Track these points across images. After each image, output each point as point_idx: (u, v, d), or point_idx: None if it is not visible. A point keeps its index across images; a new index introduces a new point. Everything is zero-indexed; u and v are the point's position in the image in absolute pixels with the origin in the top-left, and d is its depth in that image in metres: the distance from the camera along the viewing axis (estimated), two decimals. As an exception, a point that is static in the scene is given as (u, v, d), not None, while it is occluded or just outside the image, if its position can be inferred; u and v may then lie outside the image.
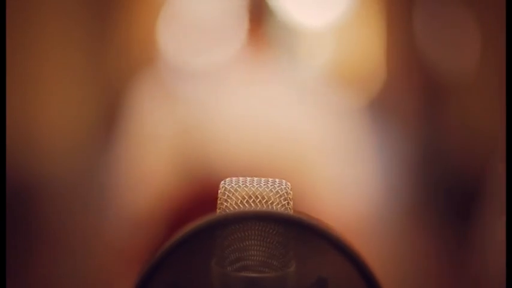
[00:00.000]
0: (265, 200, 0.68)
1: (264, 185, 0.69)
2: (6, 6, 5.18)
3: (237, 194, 0.69)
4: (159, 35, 8.84)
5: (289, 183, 0.70)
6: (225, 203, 0.69)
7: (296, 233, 0.64)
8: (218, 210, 0.69)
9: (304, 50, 9.92)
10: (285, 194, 0.69)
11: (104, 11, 8.32)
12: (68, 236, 5.40)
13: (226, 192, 0.70)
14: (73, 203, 5.98)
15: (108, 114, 7.78)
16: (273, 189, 0.69)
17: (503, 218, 4.14)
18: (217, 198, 0.68)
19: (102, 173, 6.52)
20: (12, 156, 5.53)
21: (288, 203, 0.69)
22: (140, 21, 9.36)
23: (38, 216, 5.52)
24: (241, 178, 0.71)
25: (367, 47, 10.12)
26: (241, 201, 0.69)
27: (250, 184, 0.70)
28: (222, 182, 0.71)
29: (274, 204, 0.68)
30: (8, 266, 3.92)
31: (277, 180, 0.70)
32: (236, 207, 0.69)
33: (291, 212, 0.67)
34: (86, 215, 5.90)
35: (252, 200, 0.68)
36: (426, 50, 7.93)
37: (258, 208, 0.66)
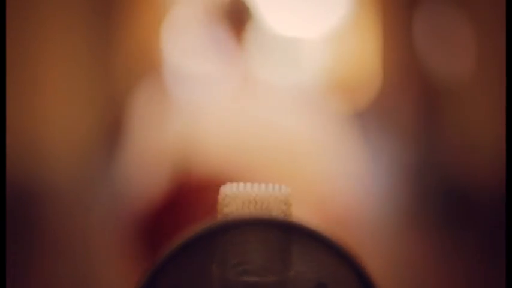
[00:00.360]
0: (265, 205, 0.68)
1: (264, 190, 0.69)
2: (7, 13, 5.17)
3: (237, 199, 0.69)
4: (162, 42, 8.89)
5: (288, 188, 0.70)
6: (226, 208, 0.69)
7: (296, 238, 0.65)
8: (219, 216, 0.69)
9: (300, 56, 9.96)
10: (285, 199, 0.69)
11: (107, 18, 8.31)
12: (69, 238, 5.41)
13: (227, 198, 0.70)
14: (74, 206, 5.98)
15: (111, 121, 7.80)
16: (272, 195, 0.69)
17: (504, 221, 4.16)
18: (213, 199, 0.68)
19: (102, 178, 6.55)
20: (13, 161, 5.52)
21: (287, 208, 0.69)
22: (144, 27, 9.38)
23: (39, 220, 5.52)
24: (241, 183, 0.70)
25: (364, 53, 10.13)
26: (241, 206, 0.69)
27: (250, 189, 0.70)
28: (222, 186, 0.71)
29: (274, 209, 0.68)
30: (8, 268, 3.92)
31: (276, 185, 0.70)
32: (236, 212, 0.69)
33: (291, 217, 0.67)
34: (86, 218, 5.90)
35: (252, 205, 0.68)
36: (423, 57, 7.94)
37: (258, 214, 0.67)
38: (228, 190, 0.71)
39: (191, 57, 2.06)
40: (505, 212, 3.75)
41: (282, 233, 0.65)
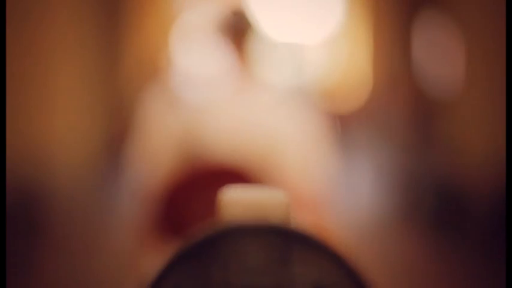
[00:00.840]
0: (265, 211, 0.70)
1: (264, 196, 0.71)
2: (9, 16, 5.14)
3: (238, 205, 0.71)
4: (169, 48, 8.87)
5: (287, 194, 0.71)
6: (227, 213, 0.71)
7: (295, 244, 0.67)
8: (220, 219, 0.71)
9: (295, 62, 9.97)
10: (284, 205, 0.71)
11: (115, 24, 8.26)
12: (71, 239, 5.40)
13: (228, 203, 0.71)
14: (76, 210, 5.96)
15: (118, 121, 7.78)
16: (272, 201, 0.71)
17: (504, 222, 4.18)
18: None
19: (106, 183, 6.52)
20: (18, 160, 5.49)
21: (286, 213, 0.71)
22: (151, 34, 9.35)
23: (42, 223, 5.50)
24: (241, 188, 0.72)
25: (355, 59, 10.16)
26: (242, 211, 0.70)
27: (250, 195, 0.71)
28: (223, 191, 0.72)
29: (274, 215, 0.70)
30: (9, 269, 3.93)
31: (275, 190, 0.71)
32: (237, 217, 0.70)
33: (290, 223, 0.69)
34: (88, 221, 5.89)
35: (252, 211, 0.70)
36: (415, 64, 7.96)
37: (259, 222, 0.68)
38: (228, 195, 0.72)
39: (197, 62, 2.16)
40: (505, 212, 3.78)
41: (282, 240, 0.67)
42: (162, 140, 2.07)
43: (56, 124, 6.08)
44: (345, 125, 9.01)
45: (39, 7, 5.85)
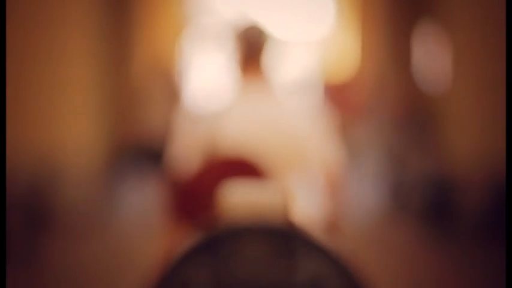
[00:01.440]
0: (264, 210, 0.73)
1: (265, 193, 0.74)
2: (11, 19, 5.12)
3: (239, 204, 0.74)
4: (179, 53, 8.88)
5: (288, 190, 0.74)
6: (228, 211, 0.75)
7: (293, 242, 0.69)
8: (221, 217, 0.74)
9: (295, 63, 10.07)
10: (284, 202, 0.75)
11: (124, 23, 8.23)
12: (72, 239, 5.41)
13: (229, 202, 0.75)
14: (79, 210, 5.96)
15: (124, 127, 7.75)
16: (273, 199, 0.75)
17: (504, 218, 4.22)
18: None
19: (111, 183, 6.51)
20: (21, 164, 5.48)
21: (287, 209, 0.74)
22: (161, 40, 9.33)
23: (46, 222, 5.50)
24: (242, 185, 0.75)
25: (345, 59, 10.22)
26: (243, 210, 0.74)
27: (251, 193, 0.74)
28: (223, 189, 0.76)
29: (274, 213, 0.74)
30: (9, 268, 3.94)
31: (276, 186, 0.74)
32: (236, 216, 0.74)
33: (289, 221, 0.72)
34: (90, 221, 5.91)
35: (253, 209, 0.74)
36: (407, 63, 8.00)
37: (260, 222, 0.71)
38: (228, 193, 0.75)
39: (206, 64, 2.29)
40: (505, 207, 3.82)
41: (281, 239, 0.69)
42: (189, 143, 2.20)
43: (63, 123, 6.05)
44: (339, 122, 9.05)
45: (45, 4, 5.81)
